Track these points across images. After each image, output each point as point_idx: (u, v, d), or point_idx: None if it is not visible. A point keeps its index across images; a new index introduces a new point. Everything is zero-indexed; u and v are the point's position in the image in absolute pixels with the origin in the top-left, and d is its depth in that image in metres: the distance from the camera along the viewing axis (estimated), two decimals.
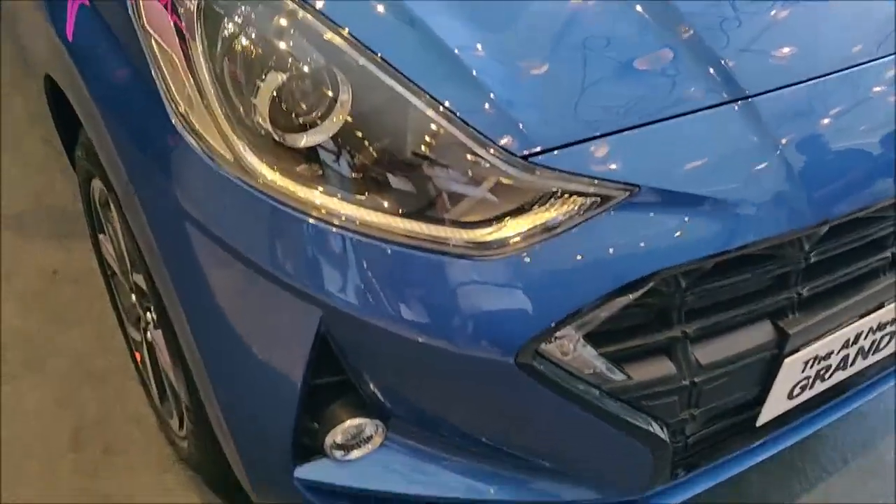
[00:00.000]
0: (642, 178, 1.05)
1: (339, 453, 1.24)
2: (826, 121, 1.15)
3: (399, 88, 1.04)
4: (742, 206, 1.09)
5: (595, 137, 1.05)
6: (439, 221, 1.04)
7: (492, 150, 1.02)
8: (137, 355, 1.77)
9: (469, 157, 1.02)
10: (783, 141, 1.11)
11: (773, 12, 1.22)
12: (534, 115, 1.04)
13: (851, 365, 1.39)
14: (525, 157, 1.03)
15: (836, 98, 1.16)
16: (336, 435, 1.21)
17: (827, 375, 1.36)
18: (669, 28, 1.14)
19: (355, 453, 1.24)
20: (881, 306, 1.33)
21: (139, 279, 1.46)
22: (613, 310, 1.07)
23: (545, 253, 1.04)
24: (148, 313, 1.52)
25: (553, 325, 1.04)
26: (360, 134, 1.04)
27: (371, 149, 1.04)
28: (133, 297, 1.60)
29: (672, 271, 1.07)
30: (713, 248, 1.08)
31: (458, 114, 1.02)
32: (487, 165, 1.02)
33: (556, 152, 1.04)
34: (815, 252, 1.20)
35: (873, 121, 1.17)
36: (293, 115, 1.05)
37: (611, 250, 1.05)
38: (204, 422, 1.35)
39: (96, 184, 1.56)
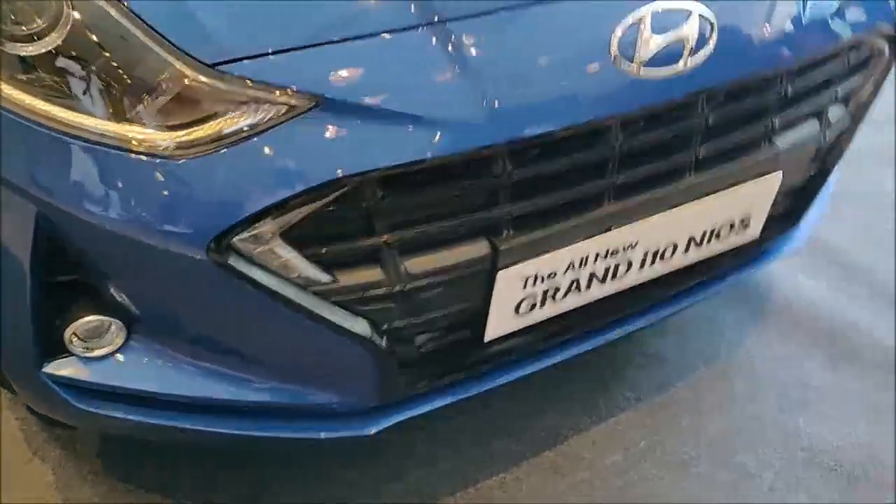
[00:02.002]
0: (327, 89, 1.14)
1: (80, 350, 1.33)
2: (517, 48, 1.24)
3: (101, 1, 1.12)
4: (427, 122, 1.17)
5: (285, 51, 1.13)
6: (138, 123, 1.12)
7: (183, 58, 1.11)
8: None
9: (161, 63, 1.11)
10: (472, 62, 1.20)
11: None
12: (226, 26, 1.13)
13: (588, 289, 1.49)
14: (215, 66, 1.12)
15: (527, 27, 1.26)
16: (74, 331, 1.30)
17: (559, 296, 1.45)
18: None
19: (98, 352, 1.33)
20: (608, 230, 1.43)
21: None
22: (303, 212, 1.16)
23: (234, 156, 1.13)
24: None
25: (236, 222, 1.14)
26: (75, 45, 1.12)
27: (83, 59, 1.12)
28: None
29: (357, 179, 1.16)
30: (396, 158, 1.17)
31: (150, 22, 1.11)
32: (178, 72, 1.11)
33: (245, 62, 1.12)
34: (518, 172, 1.29)
35: (562, 50, 1.27)
36: (17, 25, 1.13)
37: (296, 155, 1.14)
38: None
39: None
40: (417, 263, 1.29)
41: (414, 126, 1.18)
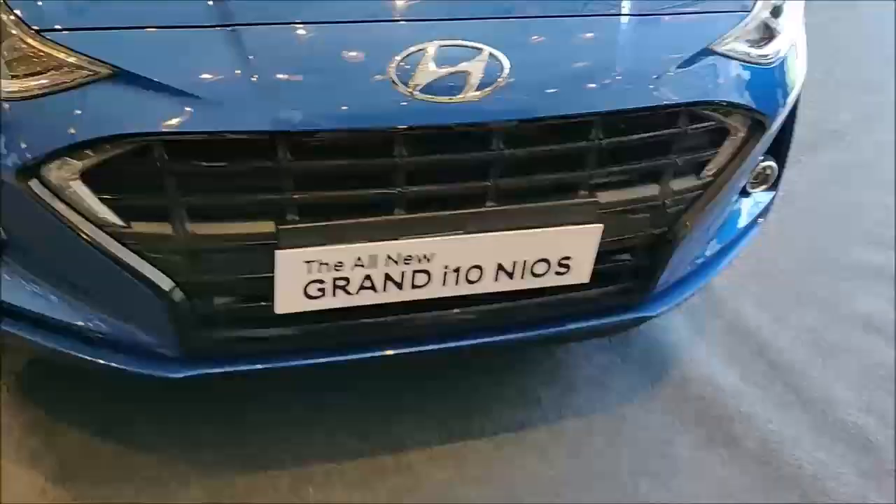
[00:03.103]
0: (125, 63, 1.42)
1: None
2: (301, 55, 1.48)
3: None
4: (205, 101, 1.42)
5: (98, 28, 1.44)
6: None
7: (19, 24, 1.42)
8: None
9: (4, 26, 1.43)
10: (254, 60, 1.44)
11: None
12: (60, 3, 1.45)
13: (385, 290, 1.65)
14: (39, 31, 1.42)
15: (316, 40, 1.49)
16: None
17: (352, 289, 1.62)
18: None
19: None
20: (398, 237, 1.59)
21: None
22: (96, 159, 1.43)
23: (45, 104, 1.42)
24: None
25: (39, 155, 1.43)
26: None
27: None
28: None
29: (140, 139, 1.42)
30: (174, 127, 1.41)
31: None
32: (12, 32, 1.42)
33: (65, 32, 1.42)
34: (301, 163, 1.49)
35: (344, 65, 1.48)
36: None
37: (92, 111, 1.42)
38: None
39: None
40: (204, 227, 1.52)
41: (193, 103, 1.43)
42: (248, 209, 1.54)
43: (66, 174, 1.45)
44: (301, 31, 1.49)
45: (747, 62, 1.75)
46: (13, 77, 1.44)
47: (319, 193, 1.54)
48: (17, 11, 1.43)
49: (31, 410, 2.01)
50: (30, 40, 1.42)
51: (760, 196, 2.13)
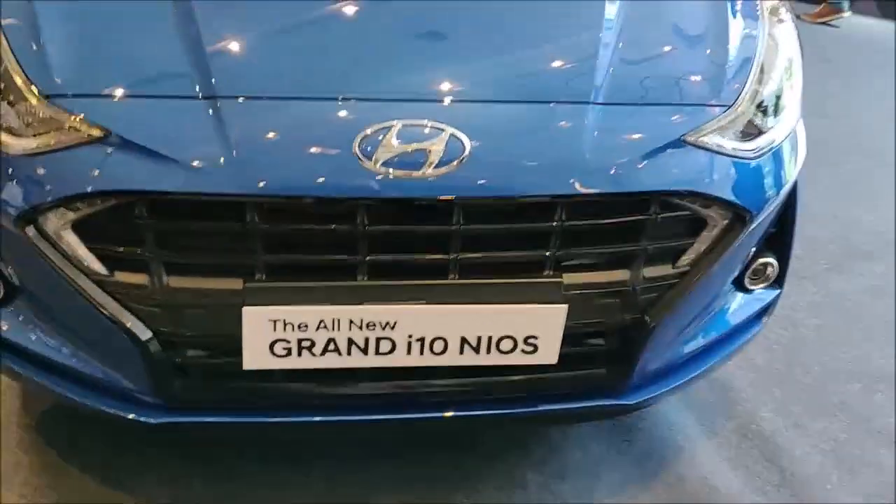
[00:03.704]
0: (116, 127, 1.57)
1: None
2: (274, 127, 1.61)
3: None
4: (183, 165, 1.55)
5: (94, 95, 1.61)
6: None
7: (26, 84, 1.61)
8: None
9: (13, 87, 1.61)
10: (229, 129, 1.57)
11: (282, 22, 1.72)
12: (66, 69, 1.63)
13: (349, 354, 1.71)
14: (48, 96, 1.60)
15: (289, 114, 1.62)
16: None
17: (316, 350, 1.69)
18: (185, 17, 1.66)
19: None
20: (361, 303, 1.66)
21: None
22: (86, 211, 1.58)
23: (44, 161, 1.59)
24: None
25: (36, 205, 1.58)
26: None
27: None
28: None
29: (125, 195, 1.56)
30: (155, 186, 1.55)
31: (16, 53, 1.64)
32: (24, 96, 1.61)
33: (69, 98, 1.60)
34: (268, 226, 1.59)
35: (313, 138, 1.61)
36: None
37: (84, 168, 1.57)
38: None
39: None
40: (179, 281, 1.64)
41: (172, 166, 1.56)
42: (220, 266, 1.65)
43: (59, 223, 1.61)
44: (276, 105, 1.63)
45: (728, 155, 1.78)
46: (21, 136, 1.62)
47: (285, 256, 1.64)
48: (31, 77, 1.62)
49: (43, 451, 2.15)
50: (38, 103, 1.60)
51: (763, 293, 2.10)
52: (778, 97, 1.90)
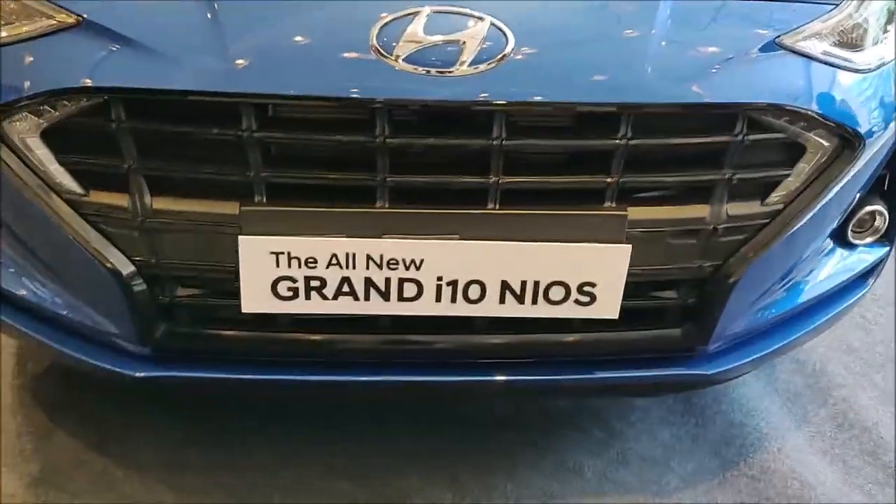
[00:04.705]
0: (89, 13, 1.32)
1: None
2: (274, 16, 1.33)
3: None
4: (170, 59, 1.30)
5: None
6: None
7: None
8: None
9: None
10: (224, 19, 1.30)
11: None
12: None
13: (367, 299, 1.43)
14: None
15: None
16: None
17: (328, 292, 1.41)
18: None
19: None
20: (380, 235, 1.38)
21: None
22: (56, 116, 1.33)
23: (8, 54, 1.34)
24: None
25: None
26: None
27: None
28: None
29: (100, 93, 1.30)
30: (135, 83, 1.29)
31: None
32: None
33: None
34: (266, 133, 1.32)
35: (323, 29, 1.33)
36: None
37: (53, 62, 1.32)
38: None
39: None
40: (163, 202, 1.38)
41: (158, 60, 1.30)
42: (212, 185, 1.38)
43: (25, 131, 1.36)
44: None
45: (832, 65, 1.45)
46: None
47: (289, 173, 1.36)
48: None
49: (33, 414, 1.91)
50: None
51: (868, 250, 1.75)
52: (891, 13, 1.56)
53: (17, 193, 1.40)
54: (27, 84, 1.33)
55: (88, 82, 1.31)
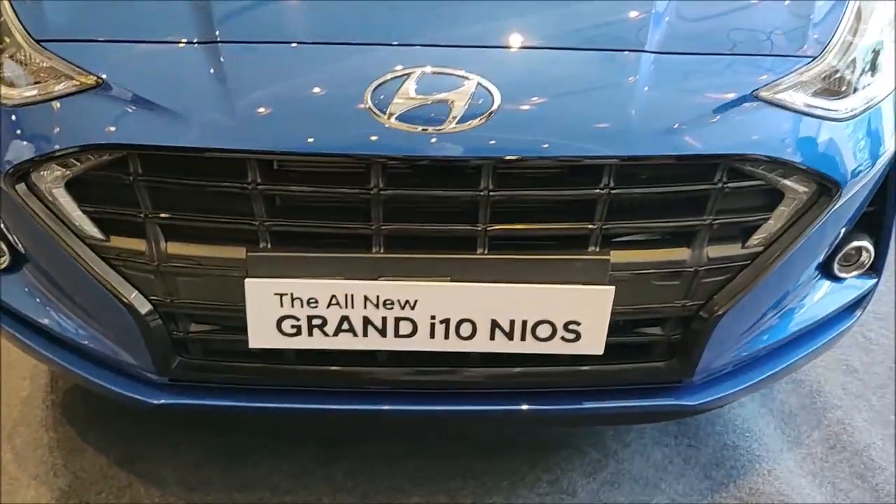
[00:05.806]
0: (108, 74, 1.43)
1: None
2: (278, 75, 1.43)
3: None
4: (181, 117, 1.40)
5: (87, 40, 1.46)
6: None
7: (20, 31, 1.49)
8: None
9: (10, 37, 1.50)
10: (232, 78, 1.40)
11: None
12: (59, 14, 1.50)
13: (365, 335, 1.52)
14: (39, 41, 1.47)
15: (295, 60, 1.44)
16: None
17: (329, 329, 1.51)
18: None
19: None
20: (377, 277, 1.47)
21: None
22: (79, 169, 1.44)
23: (35, 112, 1.46)
24: None
25: (25, 160, 1.45)
26: None
27: None
28: None
29: (119, 149, 1.41)
30: (151, 140, 1.40)
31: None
32: (16, 42, 1.48)
33: (59, 43, 1.46)
34: (271, 187, 1.42)
35: (323, 88, 1.43)
36: None
37: (75, 120, 1.44)
38: None
39: None
40: (177, 247, 1.49)
41: (170, 118, 1.41)
42: (221, 232, 1.49)
43: (51, 182, 1.47)
44: (281, 51, 1.45)
45: (812, 115, 1.51)
46: (10, 86, 1.50)
47: (291, 221, 1.46)
48: (25, 23, 1.49)
49: (63, 429, 2.04)
50: (30, 50, 1.47)
51: (856, 283, 1.81)
52: (876, 52, 1.62)
53: (45, 238, 1.52)
54: (56, 140, 1.44)
55: (110, 139, 1.42)
